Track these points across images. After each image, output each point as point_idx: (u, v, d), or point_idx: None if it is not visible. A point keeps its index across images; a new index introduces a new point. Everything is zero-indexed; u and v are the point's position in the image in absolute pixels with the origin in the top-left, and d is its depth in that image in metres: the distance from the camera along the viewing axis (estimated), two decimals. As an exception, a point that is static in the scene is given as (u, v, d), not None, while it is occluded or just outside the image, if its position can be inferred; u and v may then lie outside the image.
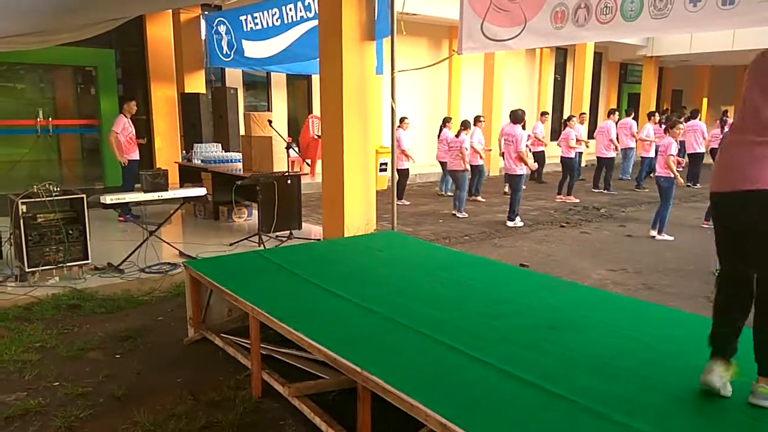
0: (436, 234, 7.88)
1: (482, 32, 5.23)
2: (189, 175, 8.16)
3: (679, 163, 7.92)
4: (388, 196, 6.70)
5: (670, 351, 2.69)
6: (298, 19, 8.28)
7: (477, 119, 11.06)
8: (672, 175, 7.54)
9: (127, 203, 5.72)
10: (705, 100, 21.58)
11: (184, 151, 9.20)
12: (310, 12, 7.94)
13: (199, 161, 8.00)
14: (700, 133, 12.63)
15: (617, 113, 12.96)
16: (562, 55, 18.36)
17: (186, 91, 10.03)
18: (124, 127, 7.65)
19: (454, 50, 6.08)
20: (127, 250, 5.68)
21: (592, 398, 2.21)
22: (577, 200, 10.86)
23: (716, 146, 12.32)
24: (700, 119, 13.28)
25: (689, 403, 2.22)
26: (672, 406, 2.20)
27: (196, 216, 8.24)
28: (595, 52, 16.58)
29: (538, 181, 13.22)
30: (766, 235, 2.12)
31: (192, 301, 4.04)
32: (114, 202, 5.44)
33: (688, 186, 12.24)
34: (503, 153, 9.27)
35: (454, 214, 9.30)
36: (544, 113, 13.49)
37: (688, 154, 12.50)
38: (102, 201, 5.36)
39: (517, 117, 8.71)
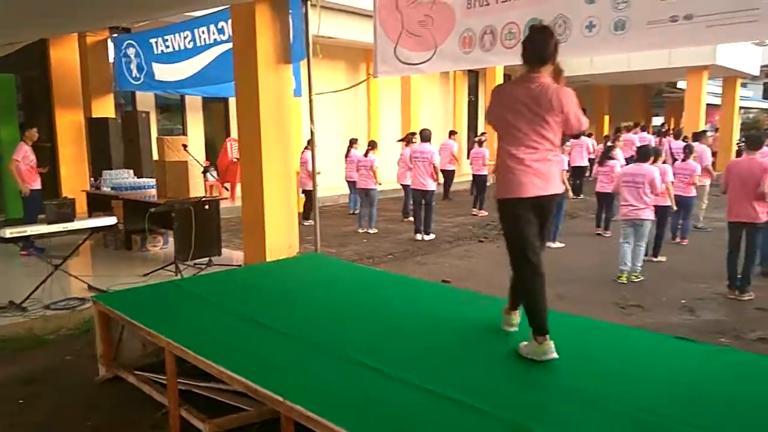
0: (360, 254, 7.90)
1: (396, 56, 5.34)
2: (98, 203, 7.74)
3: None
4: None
5: (584, 357, 2.83)
6: (212, 41, 8.13)
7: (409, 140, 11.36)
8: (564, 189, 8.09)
9: (29, 236, 5.35)
10: (606, 117, 23.11)
11: (92, 179, 8.74)
12: (224, 35, 7.82)
13: (109, 188, 7.62)
14: (585, 149, 13.91)
15: None
16: (474, 77, 19.09)
17: (93, 115, 9.56)
18: (24, 155, 7.19)
19: (370, 73, 6.16)
20: (31, 286, 5.28)
21: (516, 410, 2.27)
22: (486, 213, 11.24)
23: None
24: (589, 136, 14.56)
25: (604, 409, 2.32)
26: (588, 412, 2.30)
27: (107, 246, 7.82)
28: (504, 74, 17.36)
29: (444, 198, 13.41)
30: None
31: (102, 337, 3.81)
32: (14, 235, 5.07)
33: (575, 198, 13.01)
34: (411, 171, 9.37)
35: (367, 231, 9.49)
36: (452, 132, 14.06)
37: (572, 167, 12.97)
38: (1, 235, 4.99)
39: (425, 136, 9.19)
